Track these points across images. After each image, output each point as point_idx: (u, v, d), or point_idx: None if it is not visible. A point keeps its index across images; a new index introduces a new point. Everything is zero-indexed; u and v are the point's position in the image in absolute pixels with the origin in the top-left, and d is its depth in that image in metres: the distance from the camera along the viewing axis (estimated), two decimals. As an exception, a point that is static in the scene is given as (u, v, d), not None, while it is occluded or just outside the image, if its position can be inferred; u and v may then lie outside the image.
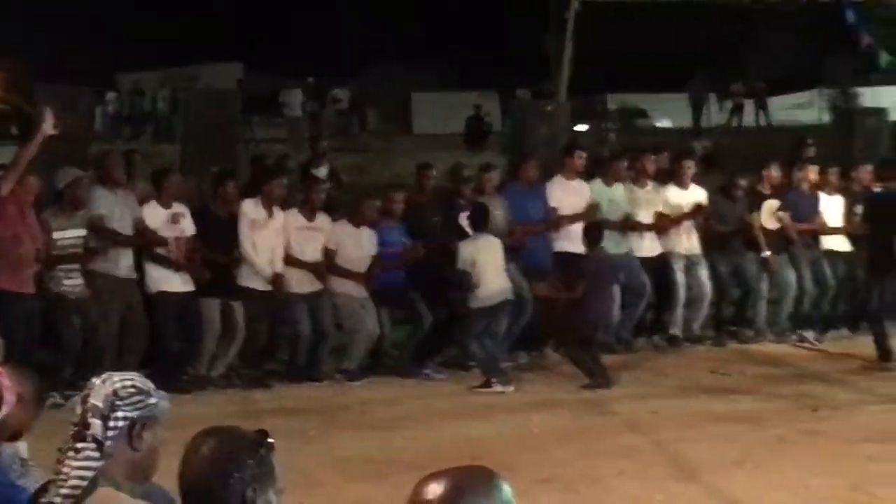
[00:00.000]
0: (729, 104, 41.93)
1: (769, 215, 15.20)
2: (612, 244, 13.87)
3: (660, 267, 14.93)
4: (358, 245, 13.31)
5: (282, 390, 12.67)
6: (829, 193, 15.70)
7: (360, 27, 49.45)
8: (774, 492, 8.64)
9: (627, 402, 11.94)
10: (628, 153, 15.63)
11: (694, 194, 15.15)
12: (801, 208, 15.47)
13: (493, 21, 46.58)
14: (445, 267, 13.11)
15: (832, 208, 15.69)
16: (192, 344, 12.58)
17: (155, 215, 12.55)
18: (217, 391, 12.47)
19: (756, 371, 13.69)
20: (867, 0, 26.85)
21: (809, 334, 15.39)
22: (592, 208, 14.37)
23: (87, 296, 11.98)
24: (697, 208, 15.02)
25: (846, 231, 15.72)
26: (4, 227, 11.18)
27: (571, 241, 14.00)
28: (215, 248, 12.76)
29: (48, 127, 10.67)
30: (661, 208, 14.97)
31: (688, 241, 15.05)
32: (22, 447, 4.62)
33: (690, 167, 15.33)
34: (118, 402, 3.69)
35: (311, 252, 13.20)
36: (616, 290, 13.18)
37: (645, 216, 14.89)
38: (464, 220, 13.30)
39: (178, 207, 12.69)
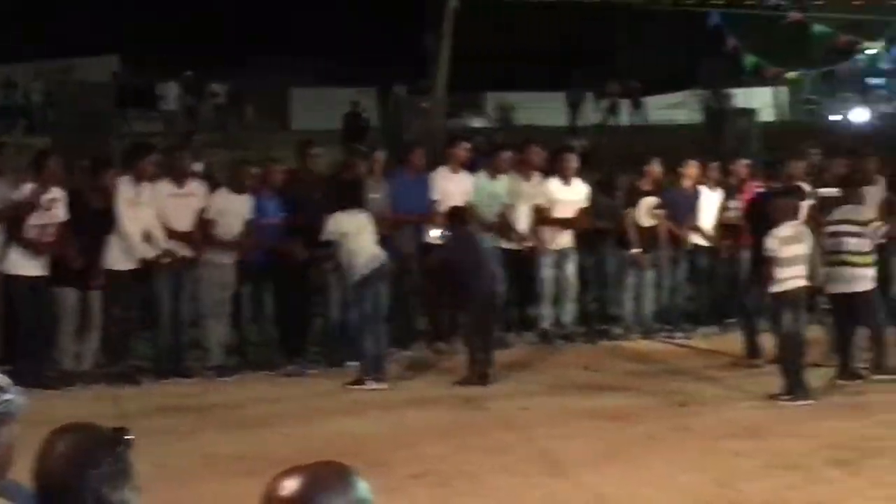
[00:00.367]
0: (605, 103, 42.32)
1: (646, 212, 15.33)
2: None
3: (525, 260, 14.98)
4: (236, 213, 13.19)
5: (151, 387, 12.56)
6: (711, 188, 15.86)
7: (240, 21, 49.11)
8: (642, 487, 8.75)
9: (501, 399, 12.00)
10: (513, 146, 15.70)
11: (576, 189, 15.21)
12: (680, 206, 15.62)
13: (372, 17, 46.58)
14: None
15: (711, 203, 15.84)
16: (48, 334, 12.41)
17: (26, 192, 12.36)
18: (85, 387, 12.32)
19: (626, 367, 13.83)
20: (732, 2, 27.31)
21: (678, 331, 15.58)
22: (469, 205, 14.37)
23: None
24: (581, 214, 15.06)
25: (718, 229, 15.90)
26: None
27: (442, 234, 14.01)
28: (85, 238, 12.57)
29: None
30: (541, 201, 14.99)
31: (558, 237, 15.10)
32: None
33: (573, 161, 15.39)
34: (-29, 400, 3.63)
35: (183, 221, 13.04)
36: (497, 265, 13.16)
37: (525, 210, 14.90)
38: None
39: (55, 192, 12.49)
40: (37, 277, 12.35)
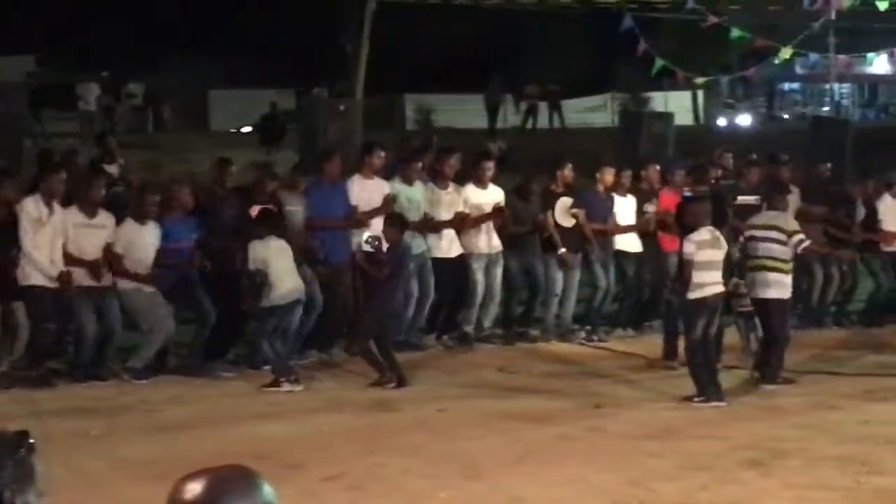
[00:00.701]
0: (523, 106, 42.47)
1: (563, 213, 15.39)
2: (413, 245, 13.96)
3: (458, 268, 15.01)
4: (145, 243, 13.09)
5: (66, 390, 12.42)
6: (622, 195, 15.96)
7: (158, 21, 48.78)
8: (556, 487, 8.79)
9: (416, 401, 12.01)
10: (428, 154, 15.71)
11: (493, 194, 15.27)
12: (595, 209, 15.70)
13: (291, 18, 46.41)
14: (238, 264, 13.03)
15: (625, 209, 15.95)
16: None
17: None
18: (1, 391, 12.17)
19: (543, 369, 13.90)
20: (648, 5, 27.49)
21: (595, 333, 15.67)
22: (390, 200, 14.35)
23: None
24: (497, 210, 15.13)
25: (637, 231, 16.01)
26: None
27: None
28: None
29: None
30: (461, 208, 15.04)
31: (487, 240, 15.15)
32: None
33: (490, 167, 15.45)
34: None
35: (91, 250, 12.90)
36: (414, 284, 13.20)
37: (446, 216, 14.93)
38: (254, 212, 13.26)
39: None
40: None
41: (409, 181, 14.80)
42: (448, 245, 14.95)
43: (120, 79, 40.80)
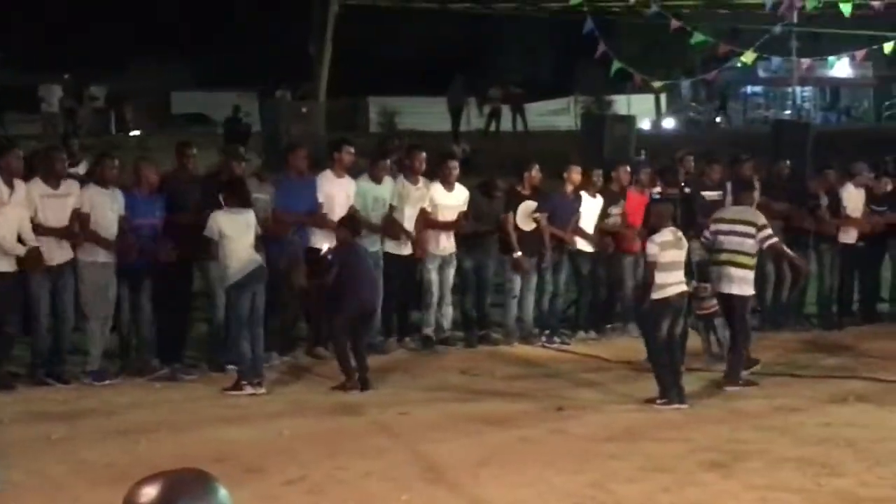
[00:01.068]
0: (487, 109, 42.53)
1: (525, 216, 15.40)
2: (367, 242, 13.95)
3: (409, 266, 15.01)
4: (109, 207, 12.96)
5: (26, 393, 12.33)
6: (592, 195, 15.99)
7: (121, 23, 48.62)
8: (517, 490, 8.80)
9: (378, 404, 11.99)
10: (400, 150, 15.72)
11: (458, 195, 15.27)
12: (561, 212, 15.72)
13: (255, 21, 46.37)
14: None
15: (592, 210, 15.97)
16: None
17: None
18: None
19: (505, 372, 13.91)
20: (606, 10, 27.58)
21: (557, 336, 15.70)
22: (353, 209, 14.34)
23: None
24: (461, 216, 15.12)
25: (595, 241, 16.01)
26: None
27: (326, 239, 13.97)
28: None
29: None
30: (426, 205, 15.03)
31: (444, 242, 15.15)
32: None
33: (455, 167, 15.45)
34: None
35: (58, 220, 12.77)
36: (376, 275, 13.14)
37: (411, 212, 14.92)
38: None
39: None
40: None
41: (377, 180, 14.79)
42: (402, 242, 14.92)
43: (82, 81, 40.65)
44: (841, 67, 48.85)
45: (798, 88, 52.66)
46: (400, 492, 8.71)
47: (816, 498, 8.64)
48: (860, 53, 24.51)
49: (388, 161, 15.10)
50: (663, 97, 50.52)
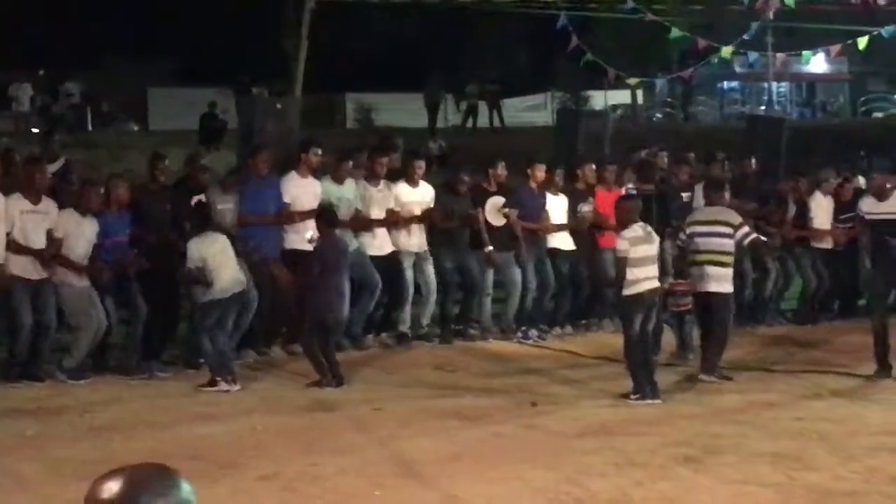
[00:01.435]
0: (464, 105, 42.53)
1: (493, 212, 15.45)
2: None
3: (390, 265, 15.03)
4: (83, 235, 12.98)
5: (0, 391, 12.31)
6: (555, 193, 16.03)
7: (96, 19, 48.38)
8: (491, 485, 8.80)
9: (352, 400, 12.00)
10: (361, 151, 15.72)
11: (423, 192, 15.32)
12: (529, 206, 15.77)
13: (231, 18, 46.19)
14: (176, 262, 12.99)
15: (557, 207, 16.03)
16: None
17: None
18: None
19: (480, 368, 13.94)
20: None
21: (533, 332, 15.72)
22: (325, 203, 14.35)
23: None
24: (427, 211, 15.17)
25: (571, 226, 16.08)
26: None
27: (302, 238, 13.98)
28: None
29: None
30: (392, 205, 15.08)
31: (417, 239, 15.19)
32: None
33: (420, 166, 15.51)
34: None
35: (37, 238, 12.78)
36: (346, 280, 13.16)
37: (377, 214, 14.97)
38: (196, 203, 13.25)
39: None
40: None
41: (339, 180, 14.80)
42: (381, 242, 14.97)
43: (57, 77, 40.52)
44: (816, 63, 48.91)
45: (774, 84, 52.76)
46: (373, 488, 8.71)
47: (789, 492, 8.66)
48: (835, 49, 24.56)
49: (350, 162, 15.10)
50: (640, 93, 50.56)
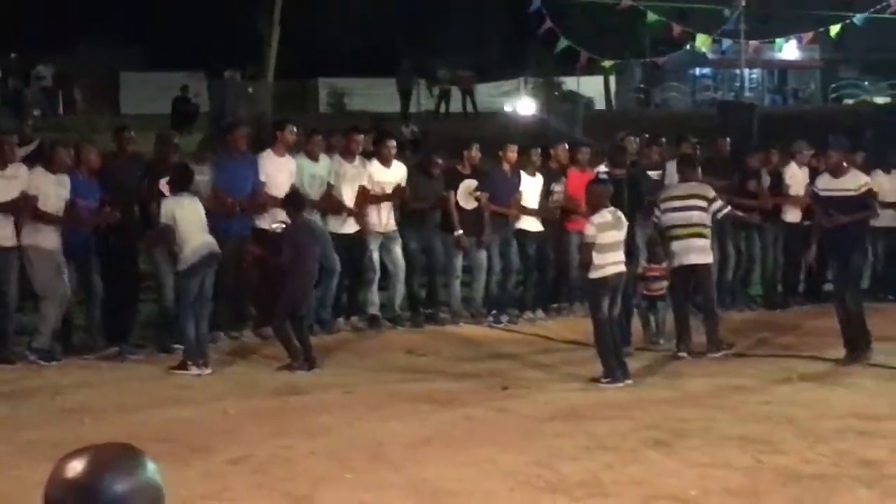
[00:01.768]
0: (436, 90, 42.51)
1: (465, 195, 15.47)
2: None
3: (355, 244, 15.01)
4: (55, 192, 12.91)
5: (-29, 373, 12.31)
6: (531, 174, 16.06)
7: (68, 3, 48.17)
8: (461, 468, 8.82)
9: (324, 384, 12.02)
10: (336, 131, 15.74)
11: (396, 172, 15.32)
12: (502, 189, 15.78)
13: (204, 2, 46.06)
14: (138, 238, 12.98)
15: (532, 188, 16.05)
16: None
17: None
18: None
19: (451, 352, 13.97)
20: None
21: (504, 316, 15.75)
22: (294, 186, 14.34)
23: None
24: (398, 189, 15.19)
25: (541, 212, 16.11)
26: None
27: (271, 218, 13.97)
28: None
29: None
30: (364, 183, 15.06)
31: (385, 220, 15.18)
32: None
33: (393, 145, 15.50)
34: None
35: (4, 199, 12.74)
36: (317, 264, 13.16)
37: (350, 191, 14.95)
38: (163, 185, 13.20)
39: None
40: None
41: (313, 157, 14.79)
42: (343, 220, 14.94)
43: (29, 61, 40.31)
44: (788, 50, 49.14)
45: (746, 71, 52.84)
46: (344, 470, 8.73)
47: (758, 475, 8.70)
48: (808, 36, 24.66)
49: (321, 136, 15.10)
50: (612, 78, 50.64)
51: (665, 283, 14.12)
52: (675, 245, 13.71)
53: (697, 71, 63.34)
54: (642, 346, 14.01)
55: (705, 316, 13.91)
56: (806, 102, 58.45)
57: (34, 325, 13.01)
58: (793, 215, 17.18)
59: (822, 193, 13.44)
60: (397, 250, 15.23)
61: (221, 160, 14.38)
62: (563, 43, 20.64)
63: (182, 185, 12.83)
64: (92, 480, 2.68)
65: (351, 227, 14.98)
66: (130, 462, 2.75)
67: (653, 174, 16.29)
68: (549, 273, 16.28)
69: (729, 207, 14.13)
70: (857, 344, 13.14)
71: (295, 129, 14.90)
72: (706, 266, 13.82)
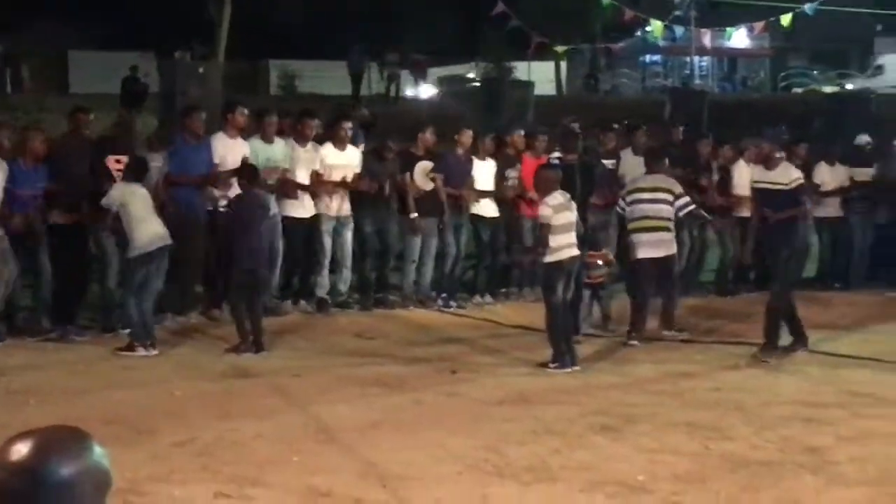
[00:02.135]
0: (387, 73, 42.48)
1: (422, 176, 15.47)
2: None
3: (310, 228, 14.96)
4: None
5: (-88, 357, 12.17)
6: (482, 158, 16.07)
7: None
8: (409, 452, 8.79)
9: (272, 366, 11.96)
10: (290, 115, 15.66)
11: (350, 155, 15.26)
12: (455, 172, 15.78)
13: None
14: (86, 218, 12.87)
15: (485, 173, 16.07)
16: None
17: None
18: None
19: (400, 335, 13.95)
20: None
21: (453, 300, 15.75)
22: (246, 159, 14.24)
23: None
24: (356, 178, 15.12)
25: (496, 196, 16.12)
26: None
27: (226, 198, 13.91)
28: None
29: None
30: (318, 167, 15.00)
31: (339, 203, 15.13)
32: None
33: (348, 127, 15.43)
34: None
35: None
36: (266, 236, 13.06)
37: (304, 174, 14.89)
38: (111, 161, 13.09)
39: None
40: None
41: (267, 139, 14.72)
42: (303, 205, 14.88)
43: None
44: (738, 38, 49.27)
45: (696, 58, 53.06)
46: (291, 453, 8.69)
47: (705, 461, 8.73)
48: (759, 25, 24.74)
49: (271, 121, 14.99)
50: (563, 64, 50.71)
51: (606, 270, 14.13)
52: (641, 237, 13.74)
53: (648, 58, 63.56)
54: (591, 333, 14.01)
55: (666, 300, 14.08)
56: (755, 91, 58.78)
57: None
58: (745, 211, 17.28)
59: (756, 185, 13.46)
60: (348, 235, 15.19)
61: (177, 148, 14.25)
62: (510, 24, 20.62)
63: (136, 175, 12.74)
64: (38, 464, 2.64)
65: (307, 211, 14.91)
66: (77, 445, 2.71)
67: (607, 163, 16.34)
68: (501, 258, 16.30)
69: (693, 206, 14.14)
70: (772, 337, 13.02)
71: (246, 112, 14.81)
72: (671, 258, 13.94)
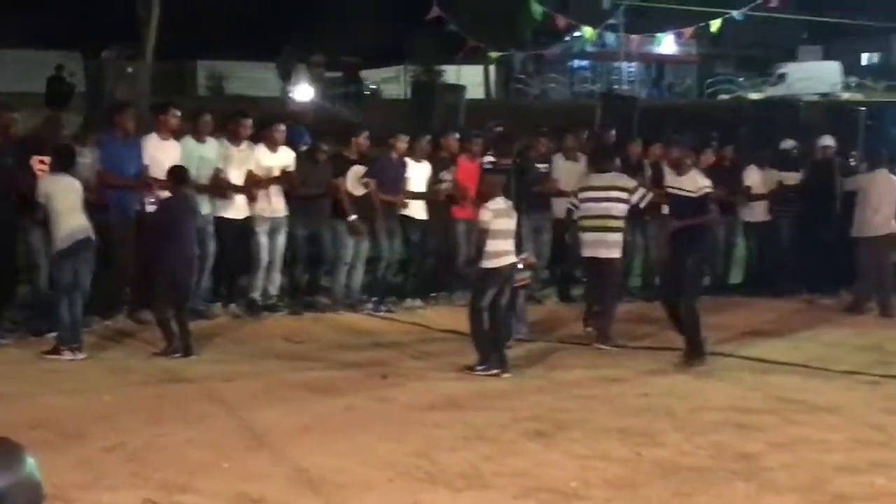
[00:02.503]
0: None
1: (355, 181, 15.42)
2: (200, 205, 13.80)
3: (245, 230, 14.86)
4: None
5: None
6: (418, 160, 16.06)
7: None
8: (340, 458, 8.74)
9: (201, 370, 11.87)
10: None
11: (283, 157, 15.19)
12: (389, 175, 15.75)
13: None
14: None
15: (419, 174, 16.05)
16: None
17: None
18: None
19: (330, 339, 13.91)
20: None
21: (383, 304, 15.71)
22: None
23: None
24: (286, 174, 15.05)
25: (428, 195, 16.10)
26: None
27: (155, 201, 13.78)
28: None
29: None
30: (252, 166, 14.92)
31: (273, 204, 15.04)
32: None
33: (282, 130, 15.36)
34: None
35: None
36: (194, 238, 12.96)
37: (237, 175, 14.79)
38: (35, 162, 12.93)
39: None
40: None
41: (200, 139, 14.60)
42: (237, 206, 14.79)
43: None
44: (666, 44, 49.62)
45: (624, 64, 53.41)
46: (221, 459, 8.60)
47: (637, 467, 8.74)
48: (688, 31, 24.90)
49: (206, 119, 14.88)
50: (492, 69, 50.83)
51: (528, 274, 14.11)
52: (587, 236, 13.82)
53: (576, 63, 63.87)
54: (522, 338, 14.00)
55: (608, 304, 14.09)
56: (682, 97, 59.21)
57: None
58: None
59: (668, 189, 13.53)
60: (280, 238, 15.11)
61: (105, 142, 14.09)
62: (450, 27, 20.65)
63: (63, 165, 12.54)
64: (-31, 477, 2.58)
65: (240, 212, 14.81)
66: (8, 457, 2.65)
67: (540, 166, 16.41)
68: (430, 261, 16.28)
69: (651, 194, 14.21)
70: (695, 346, 13.08)
71: (178, 113, 14.68)
72: (612, 261, 13.92)
